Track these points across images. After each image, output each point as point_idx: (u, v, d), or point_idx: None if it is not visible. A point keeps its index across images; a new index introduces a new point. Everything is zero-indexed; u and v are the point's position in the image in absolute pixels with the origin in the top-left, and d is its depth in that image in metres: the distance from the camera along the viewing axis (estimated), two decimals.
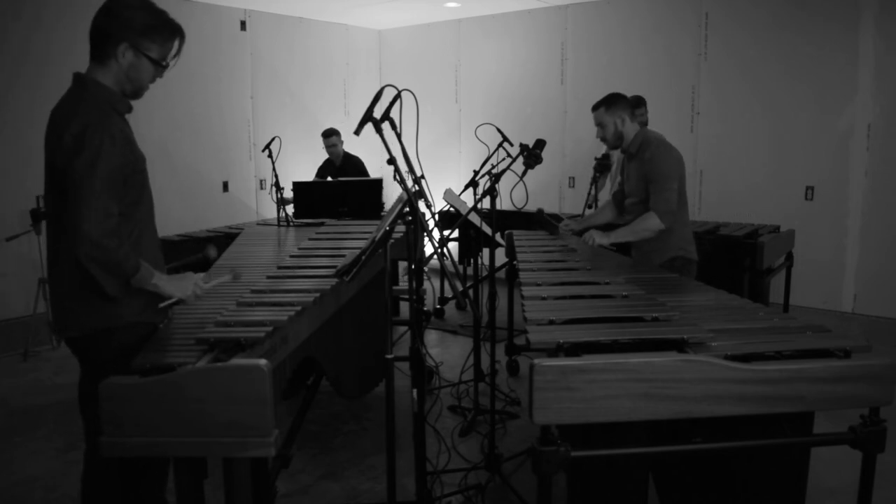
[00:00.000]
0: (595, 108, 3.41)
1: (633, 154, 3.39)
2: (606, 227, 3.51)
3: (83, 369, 2.17)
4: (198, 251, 4.41)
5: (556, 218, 3.94)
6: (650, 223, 3.24)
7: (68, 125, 1.94)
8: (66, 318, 2.09)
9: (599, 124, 3.40)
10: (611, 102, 3.37)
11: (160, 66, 2.10)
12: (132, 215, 2.09)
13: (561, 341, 1.97)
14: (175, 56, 2.14)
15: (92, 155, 1.90)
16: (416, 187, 2.29)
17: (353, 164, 6.11)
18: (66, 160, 1.92)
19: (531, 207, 4.42)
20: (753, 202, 5.66)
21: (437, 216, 2.91)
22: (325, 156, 6.30)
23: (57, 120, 2.01)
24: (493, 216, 3.22)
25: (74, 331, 2.09)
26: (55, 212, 2.05)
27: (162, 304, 2.10)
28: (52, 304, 2.14)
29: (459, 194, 4.04)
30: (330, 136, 6.12)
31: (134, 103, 2.16)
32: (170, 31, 2.10)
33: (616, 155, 5.11)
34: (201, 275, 2.25)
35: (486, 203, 3.19)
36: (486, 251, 3.63)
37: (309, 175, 6.34)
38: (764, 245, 4.16)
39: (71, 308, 2.07)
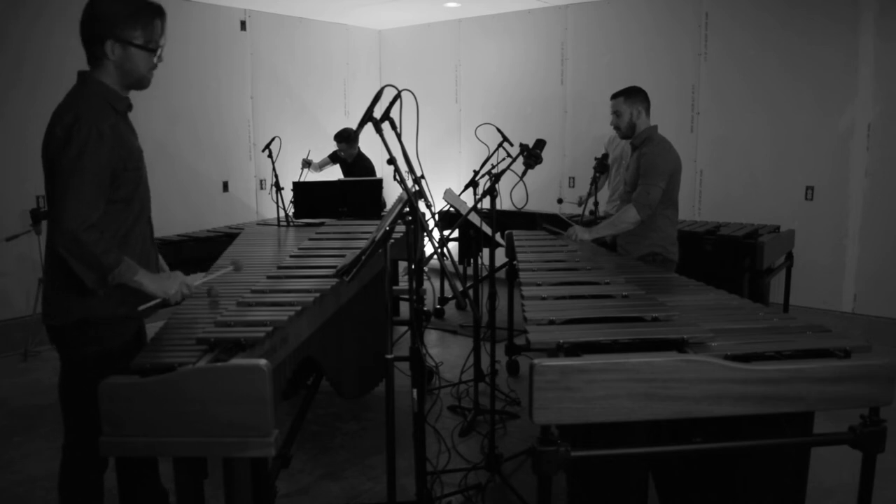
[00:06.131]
0: (615, 95, 3.52)
1: (636, 146, 3.51)
2: (589, 223, 3.64)
3: (62, 363, 2.19)
4: (198, 251, 4.42)
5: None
6: (627, 215, 3.34)
7: (62, 118, 1.98)
8: (49, 306, 2.13)
9: (616, 112, 3.50)
10: (631, 94, 3.47)
11: (151, 51, 2.10)
12: (120, 213, 2.11)
13: (561, 341, 1.97)
14: (162, 35, 2.12)
15: (78, 149, 1.93)
16: (416, 187, 2.29)
17: (363, 166, 6.07)
18: (55, 152, 1.96)
19: (531, 207, 4.42)
20: (753, 202, 5.66)
21: (437, 216, 2.91)
22: (326, 153, 6.32)
23: (56, 114, 2.05)
24: (493, 216, 3.22)
25: (56, 319, 2.12)
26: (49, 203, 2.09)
27: (142, 307, 2.09)
28: (42, 292, 2.18)
29: (459, 194, 4.04)
30: (340, 142, 6.06)
31: (133, 102, 2.19)
32: (149, 14, 2.08)
33: (619, 153, 5.11)
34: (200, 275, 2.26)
35: (486, 203, 3.19)
36: (486, 251, 3.63)
37: (309, 175, 6.32)
38: (764, 245, 4.15)
39: (53, 297, 2.12)
